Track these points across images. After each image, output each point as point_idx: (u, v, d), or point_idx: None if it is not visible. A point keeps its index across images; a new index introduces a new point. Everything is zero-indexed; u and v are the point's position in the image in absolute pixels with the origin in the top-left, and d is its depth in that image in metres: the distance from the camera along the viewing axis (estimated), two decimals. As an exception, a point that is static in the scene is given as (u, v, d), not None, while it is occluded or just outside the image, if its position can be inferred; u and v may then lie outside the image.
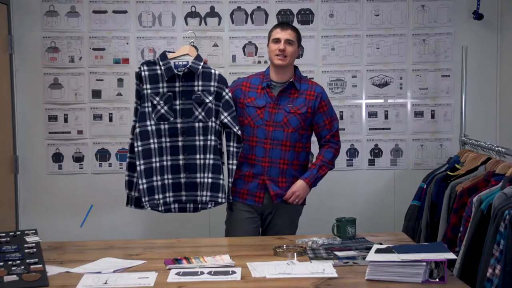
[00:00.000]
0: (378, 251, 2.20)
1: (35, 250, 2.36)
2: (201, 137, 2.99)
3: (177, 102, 2.99)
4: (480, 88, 3.93)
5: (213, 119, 2.99)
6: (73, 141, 3.94)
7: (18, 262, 2.24)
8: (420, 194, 3.40)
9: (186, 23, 3.93)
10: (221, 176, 3.00)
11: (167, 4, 3.92)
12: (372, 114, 4.00)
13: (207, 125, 2.99)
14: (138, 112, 2.98)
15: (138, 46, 3.93)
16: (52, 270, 2.26)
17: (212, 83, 3.01)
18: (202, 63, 3.01)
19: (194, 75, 2.99)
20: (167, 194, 2.98)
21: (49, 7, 3.90)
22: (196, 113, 2.99)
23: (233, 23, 3.94)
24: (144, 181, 2.91)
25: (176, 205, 3.01)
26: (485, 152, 3.22)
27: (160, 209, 2.98)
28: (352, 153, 4.01)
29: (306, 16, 3.96)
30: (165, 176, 2.97)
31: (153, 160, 2.95)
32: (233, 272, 2.21)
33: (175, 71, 2.98)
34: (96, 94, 3.93)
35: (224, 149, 3.08)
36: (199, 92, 2.99)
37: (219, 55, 3.94)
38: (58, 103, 3.93)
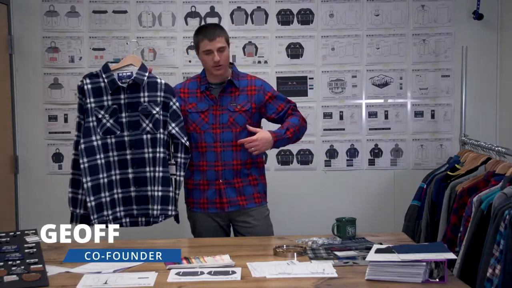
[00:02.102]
0: (378, 251, 2.20)
1: (35, 250, 2.36)
2: (150, 149, 2.88)
3: (123, 115, 2.87)
4: (480, 88, 3.93)
5: (161, 130, 2.88)
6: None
7: (18, 262, 2.24)
8: (420, 194, 3.41)
9: (186, 23, 3.93)
10: (171, 188, 2.90)
11: (167, 4, 3.93)
12: (372, 114, 4.00)
13: (156, 136, 2.88)
14: (81, 127, 2.86)
15: (138, 46, 3.92)
16: (52, 270, 2.27)
17: (159, 93, 2.89)
18: (147, 73, 2.88)
19: (140, 86, 2.87)
20: (117, 209, 2.90)
21: (49, 7, 3.90)
22: (144, 125, 2.87)
23: (233, 23, 3.94)
24: (92, 198, 2.81)
25: (128, 219, 2.93)
26: (485, 152, 3.22)
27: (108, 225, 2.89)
28: (352, 153, 4.01)
29: (306, 16, 3.96)
30: (114, 191, 2.88)
31: (100, 176, 2.83)
32: (233, 272, 2.21)
33: (119, 83, 2.86)
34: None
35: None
36: (145, 104, 2.87)
37: (219, 55, 3.94)
38: (58, 103, 3.93)
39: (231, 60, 3.12)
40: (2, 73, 3.81)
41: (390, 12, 3.96)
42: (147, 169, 2.89)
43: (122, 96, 2.87)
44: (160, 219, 2.92)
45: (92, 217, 2.83)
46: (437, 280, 2.07)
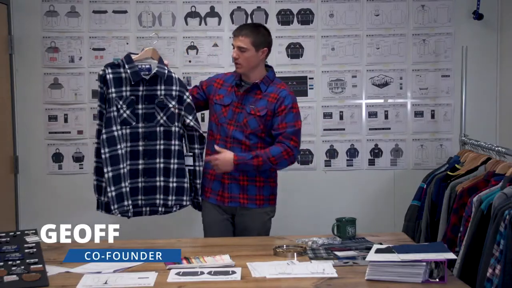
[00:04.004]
0: (378, 251, 2.21)
1: (35, 250, 2.36)
2: (162, 141, 2.96)
3: (140, 106, 2.95)
4: (480, 88, 3.93)
5: (176, 123, 2.96)
6: (73, 141, 3.94)
7: (18, 262, 2.24)
8: (420, 194, 3.40)
9: (186, 23, 3.93)
10: (186, 180, 2.98)
11: (167, 4, 3.92)
12: (372, 114, 4.00)
13: (170, 129, 2.96)
14: (104, 116, 2.91)
15: (138, 46, 3.92)
16: (52, 270, 2.26)
17: (174, 88, 2.96)
18: (166, 68, 2.98)
19: (157, 79, 2.94)
20: (139, 197, 2.98)
21: (49, 7, 3.90)
22: (158, 117, 2.96)
23: (233, 23, 3.93)
24: (113, 188, 2.87)
25: (148, 208, 3.01)
26: (485, 152, 3.22)
27: (129, 214, 2.96)
28: (352, 153, 4.01)
29: (306, 16, 3.96)
30: (136, 180, 2.97)
31: (121, 166, 2.90)
32: (233, 272, 2.21)
33: (142, 75, 2.93)
34: (96, 94, 3.90)
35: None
36: (162, 97, 2.95)
37: (219, 55, 3.94)
38: (58, 103, 3.93)
39: (269, 63, 3.14)
40: (2, 73, 3.81)
41: (390, 12, 3.96)
42: (157, 160, 2.96)
43: (141, 88, 2.94)
44: (174, 209, 3.01)
45: (112, 207, 2.90)
46: (437, 280, 2.07)
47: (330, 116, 3.99)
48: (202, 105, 3.14)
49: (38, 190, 3.95)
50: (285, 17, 3.96)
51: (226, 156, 2.91)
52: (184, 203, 3.00)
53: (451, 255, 2.12)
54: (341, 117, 3.99)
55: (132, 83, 2.92)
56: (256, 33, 2.97)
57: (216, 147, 2.96)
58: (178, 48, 3.94)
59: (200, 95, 3.11)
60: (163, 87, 2.96)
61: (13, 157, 3.91)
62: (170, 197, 2.98)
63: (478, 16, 3.85)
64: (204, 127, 3.16)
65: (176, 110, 2.96)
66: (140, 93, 2.95)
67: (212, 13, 3.94)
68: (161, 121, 2.96)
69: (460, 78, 3.71)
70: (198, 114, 3.23)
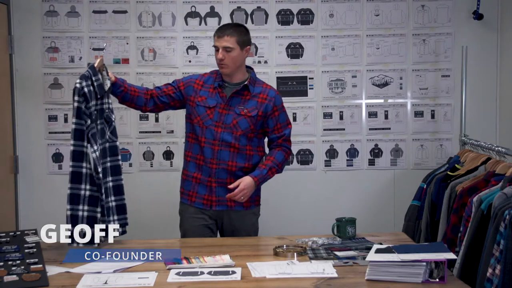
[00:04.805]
0: (378, 251, 2.21)
1: (35, 250, 2.36)
2: (109, 158, 2.77)
3: (98, 122, 2.69)
4: (480, 88, 3.93)
5: (116, 137, 2.80)
6: (73, 141, 3.94)
7: (18, 262, 2.24)
8: (420, 194, 3.41)
9: (186, 23, 3.93)
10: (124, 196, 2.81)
11: (167, 4, 3.93)
12: (372, 114, 4.01)
13: (115, 145, 2.79)
14: (84, 134, 2.61)
15: (138, 46, 3.93)
16: (52, 270, 2.26)
17: (111, 100, 2.80)
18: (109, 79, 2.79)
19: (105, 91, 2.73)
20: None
21: (49, 7, 3.90)
22: (108, 132, 2.77)
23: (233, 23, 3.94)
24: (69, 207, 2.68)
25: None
26: (485, 152, 3.22)
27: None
28: (352, 153, 4.01)
29: (306, 16, 3.96)
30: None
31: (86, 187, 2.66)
32: (233, 272, 2.21)
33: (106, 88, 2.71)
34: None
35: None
36: (107, 111, 2.75)
37: (219, 55, 3.94)
38: (58, 103, 3.93)
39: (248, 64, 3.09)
40: (2, 73, 3.81)
41: (390, 12, 3.96)
42: (108, 178, 2.78)
43: (98, 102, 2.71)
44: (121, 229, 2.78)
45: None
46: (437, 280, 2.07)
47: (330, 116, 3.99)
48: (178, 105, 3.04)
49: (38, 190, 3.95)
50: (285, 17, 3.96)
51: (247, 182, 2.86)
52: (126, 221, 2.81)
53: (451, 255, 2.12)
54: (341, 117, 3.99)
55: (98, 96, 2.68)
56: (239, 32, 2.93)
57: (230, 186, 2.85)
58: (178, 48, 3.94)
59: (176, 95, 2.99)
60: (109, 100, 2.78)
61: (13, 157, 3.91)
62: (112, 218, 2.76)
63: (478, 16, 3.85)
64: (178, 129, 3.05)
65: (114, 124, 2.80)
66: (98, 107, 2.71)
67: (212, 13, 3.94)
68: (107, 136, 2.77)
69: (460, 78, 3.71)
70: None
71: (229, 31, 2.90)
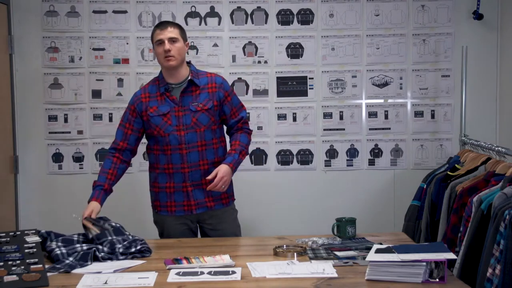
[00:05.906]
0: (378, 251, 2.21)
1: (35, 250, 2.36)
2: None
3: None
4: (480, 88, 3.93)
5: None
6: (73, 141, 3.95)
7: (18, 262, 2.24)
8: (420, 194, 3.41)
9: (186, 23, 3.93)
10: None
11: (167, 4, 3.93)
12: (372, 114, 4.01)
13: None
14: None
15: (138, 46, 3.93)
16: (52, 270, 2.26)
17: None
18: None
19: None
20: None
21: (49, 7, 3.90)
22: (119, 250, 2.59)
23: (233, 23, 3.94)
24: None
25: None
26: (485, 152, 3.22)
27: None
28: (352, 153, 4.01)
29: (306, 16, 3.96)
30: None
31: None
32: (233, 272, 2.21)
33: None
34: (96, 94, 3.93)
35: None
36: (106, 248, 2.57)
37: (219, 55, 3.94)
38: (58, 103, 3.93)
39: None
40: (2, 73, 3.81)
41: (390, 12, 3.96)
42: None
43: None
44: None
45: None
46: (437, 280, 2.07)
47: (330, 116, 3.99)
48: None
49: (38, 190, 3.95)
50: (285, 17, 3.96)
51: (225, 170, 2.82)
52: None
53: (451, 255, 2.12)
54: (341, 117, 3.99)
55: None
56: (179, 26, 2.93)
57: (208, 177, 2.80)
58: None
59: (138, 123, 2.93)
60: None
61: (13, 157, 3.91)
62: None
63: (478, 16, 3.85)
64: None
65: None
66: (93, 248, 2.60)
67: (212, 13, 3.94)
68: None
69: (460, 78, 3.71)
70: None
71: (170, 24, 2.90)
